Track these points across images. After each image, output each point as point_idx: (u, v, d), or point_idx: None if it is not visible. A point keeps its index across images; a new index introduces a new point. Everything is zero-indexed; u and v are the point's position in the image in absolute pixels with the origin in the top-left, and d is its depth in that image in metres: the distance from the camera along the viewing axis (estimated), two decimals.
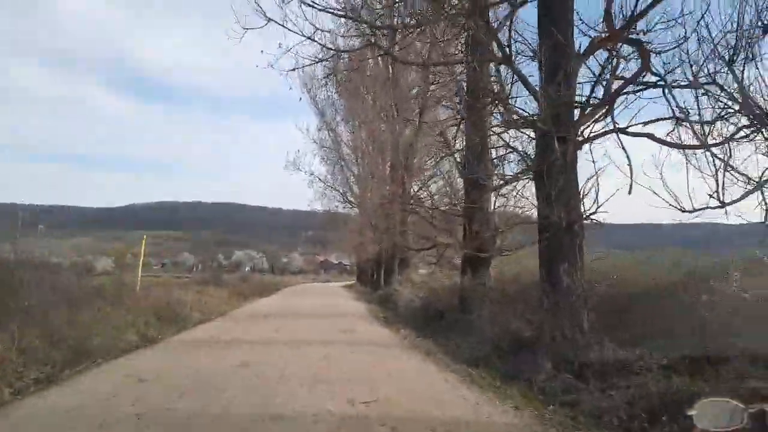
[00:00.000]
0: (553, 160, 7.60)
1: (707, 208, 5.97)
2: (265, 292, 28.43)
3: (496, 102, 8.44)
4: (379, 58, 28.81)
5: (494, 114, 9.83)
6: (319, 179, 37.99)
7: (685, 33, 6.15)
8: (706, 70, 5.89)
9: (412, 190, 23.84)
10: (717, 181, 5.85)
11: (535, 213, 8.80)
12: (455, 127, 13.37)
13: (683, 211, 6.10)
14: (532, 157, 8.29)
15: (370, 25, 9.61)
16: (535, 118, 7.62)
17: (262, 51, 8.63)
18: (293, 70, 8.72)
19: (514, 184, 10.27)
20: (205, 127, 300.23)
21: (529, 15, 20.07)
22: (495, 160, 11.83)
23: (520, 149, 8.39)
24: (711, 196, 5.86)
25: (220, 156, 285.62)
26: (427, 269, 24.45)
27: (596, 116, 7.65)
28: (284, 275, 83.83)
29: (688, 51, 6.11)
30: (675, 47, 6.36)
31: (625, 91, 7.35)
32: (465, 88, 11.05)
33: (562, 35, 7.42)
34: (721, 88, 5.82)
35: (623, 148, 7.25)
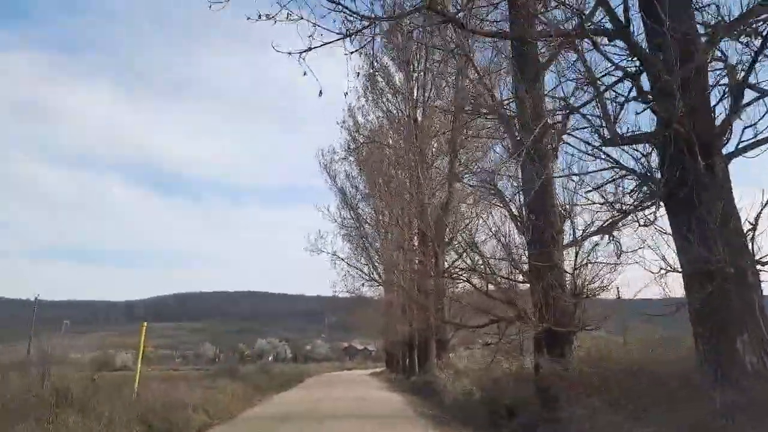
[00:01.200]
0: (695, 177, 5.04)
1: None
2: (286, 384, 25.20)
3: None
4: (399, 131, 27.45)
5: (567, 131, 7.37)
6: (342, 258, 35.64)
7: None
8: None
9: (445, 261, 21.19)
10: None
11: (652, 263, 6.08)
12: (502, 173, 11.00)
13: None
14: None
15: None
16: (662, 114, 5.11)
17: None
18: (309, 50, 6.40)
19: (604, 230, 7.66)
20: (224, 219, 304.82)
21: None
22: (567, 207, 9.31)
23: (635, 170, 5.75)
24: None
25: (240, 245, 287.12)
26: (468, 352, 21.30)
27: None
28: (308, 363, 79.52)
29: None
30: None
31: None
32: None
33: None
34: None
35: None
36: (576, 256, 8.90)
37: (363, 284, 35.86)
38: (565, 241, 9.41)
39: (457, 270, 12.23)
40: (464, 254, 17.28)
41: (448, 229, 21.34)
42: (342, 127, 29.28)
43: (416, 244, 25.20)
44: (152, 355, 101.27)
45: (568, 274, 9.35)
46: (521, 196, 10.06)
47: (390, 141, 27.37)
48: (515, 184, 10.33)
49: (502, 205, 10.33)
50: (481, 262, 10.30)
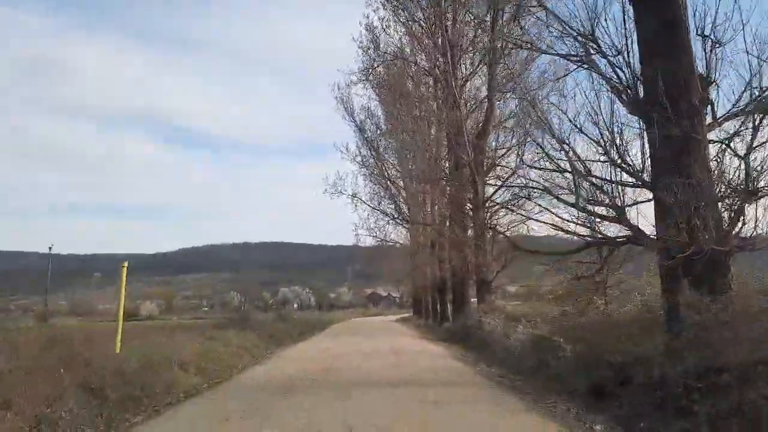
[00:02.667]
0: None
1: None
2: (307, 333, 22.50)
3: None
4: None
5: None
6: (363, 201, 32.34)
7: None
8: None
9: (485, 192, 17.80)
10: None
11: None
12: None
13: None
14: None
15: None
16: None
17: None
18: None
19: None
20: (249, 172, 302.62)
21: None
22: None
23: None
24: None
25: (266, 197, 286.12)
26: (518, 290, 18.14)
27: None
28: (332, 311, 78.03)
29: None
30: None
31: None
32: None
33: None
34: None
35: None
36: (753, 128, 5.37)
37: (387, 223, 32.70)
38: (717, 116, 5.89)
39: (525, 185, 8.70)
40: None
41: (488, 152, 17.82)
42: (359, 46, 25.16)
43: (447, 173, 21.73)
44: (180, 303, 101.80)
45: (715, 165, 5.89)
46: (631, 52, 6.48)
47: (416, 59, 23.42)
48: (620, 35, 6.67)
49: (599, 74, 6.76)
50: (567, 159, 6.81)
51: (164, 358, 9.86)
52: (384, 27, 24.01)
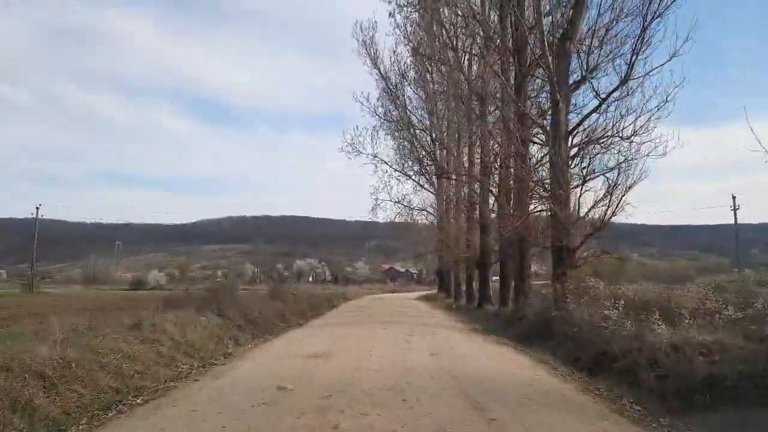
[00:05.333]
0: None
1: None
2: (306, 315, 16.81)
3: None
4: None
5: None
6: (384, 161, 26.41)
7: None
8: None
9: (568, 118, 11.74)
10: None
11: None
12: None
13: None
14: None
15: None
16: None
17: None
18: None
19: None
20: (268, 145, 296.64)
21: None
22: None
23: None
24: None
25: (286, 171, 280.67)
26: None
27: None
28: (348, 285, 72.79)
29: None
30: None
31: None
32: None
33: None
34: None
35: None
36: None
37: (413, 188, 26.81)
38: None
39: None
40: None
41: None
42: None
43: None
44: (194, 274, 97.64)
45: None
46: None
47: None
48: None
49: None
50: None
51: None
52: None
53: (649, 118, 10.24)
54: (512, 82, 14.05)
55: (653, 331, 6.88)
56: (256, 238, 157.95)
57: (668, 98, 10.03)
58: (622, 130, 10.72)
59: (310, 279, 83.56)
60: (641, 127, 10.40)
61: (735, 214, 37.52)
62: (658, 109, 10.11)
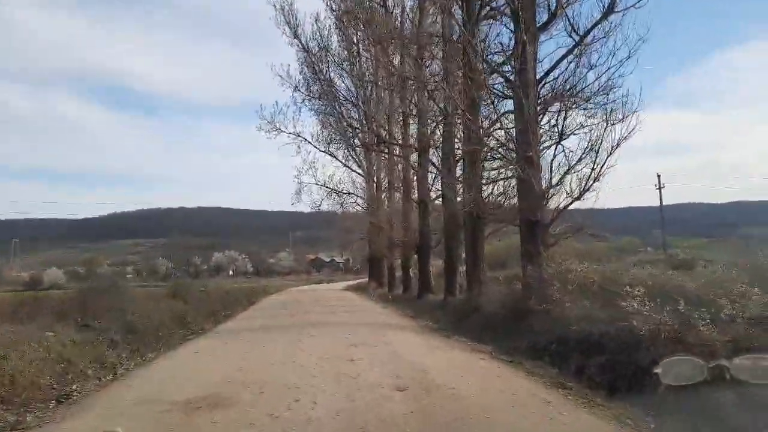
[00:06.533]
0: None
1: None
2: (208, 320, 13.53)
3: None
4: None
5: None
6: (308, 141, 23.38)
7: None
8: None
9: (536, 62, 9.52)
10: None
11: None
12: None
13: None
14: None
15: None
16: None
17: None
18: None
19: None
20: (183, 136, 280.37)
21: None
22: None
23: None
24: None
25: (205, 163, 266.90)
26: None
27: None
28: (272, 277, 68.74)
29: None
30: None
31: None
32: None
33: None
34: None
35: None
36: None
37: (342, 173, 24.10)
38: None
39: None
40: None
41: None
42: None
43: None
44: (106, 270, 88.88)
45: None
46: None
47: None
48: None
49: None
50: None
51: None
52: None
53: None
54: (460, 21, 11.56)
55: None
56: (171, 231, 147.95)
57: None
58: (602, 75, 8.62)
59: (231, 272, 78.39)
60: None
61: (660, 193, 37.94)
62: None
